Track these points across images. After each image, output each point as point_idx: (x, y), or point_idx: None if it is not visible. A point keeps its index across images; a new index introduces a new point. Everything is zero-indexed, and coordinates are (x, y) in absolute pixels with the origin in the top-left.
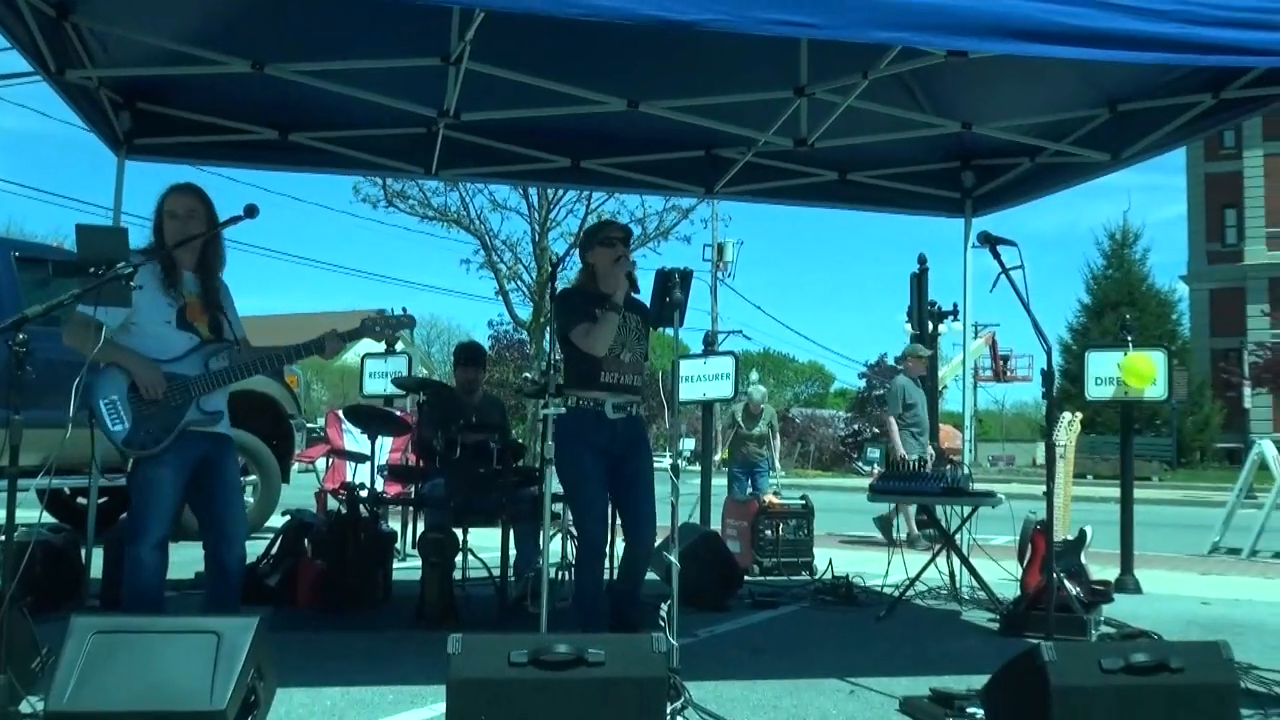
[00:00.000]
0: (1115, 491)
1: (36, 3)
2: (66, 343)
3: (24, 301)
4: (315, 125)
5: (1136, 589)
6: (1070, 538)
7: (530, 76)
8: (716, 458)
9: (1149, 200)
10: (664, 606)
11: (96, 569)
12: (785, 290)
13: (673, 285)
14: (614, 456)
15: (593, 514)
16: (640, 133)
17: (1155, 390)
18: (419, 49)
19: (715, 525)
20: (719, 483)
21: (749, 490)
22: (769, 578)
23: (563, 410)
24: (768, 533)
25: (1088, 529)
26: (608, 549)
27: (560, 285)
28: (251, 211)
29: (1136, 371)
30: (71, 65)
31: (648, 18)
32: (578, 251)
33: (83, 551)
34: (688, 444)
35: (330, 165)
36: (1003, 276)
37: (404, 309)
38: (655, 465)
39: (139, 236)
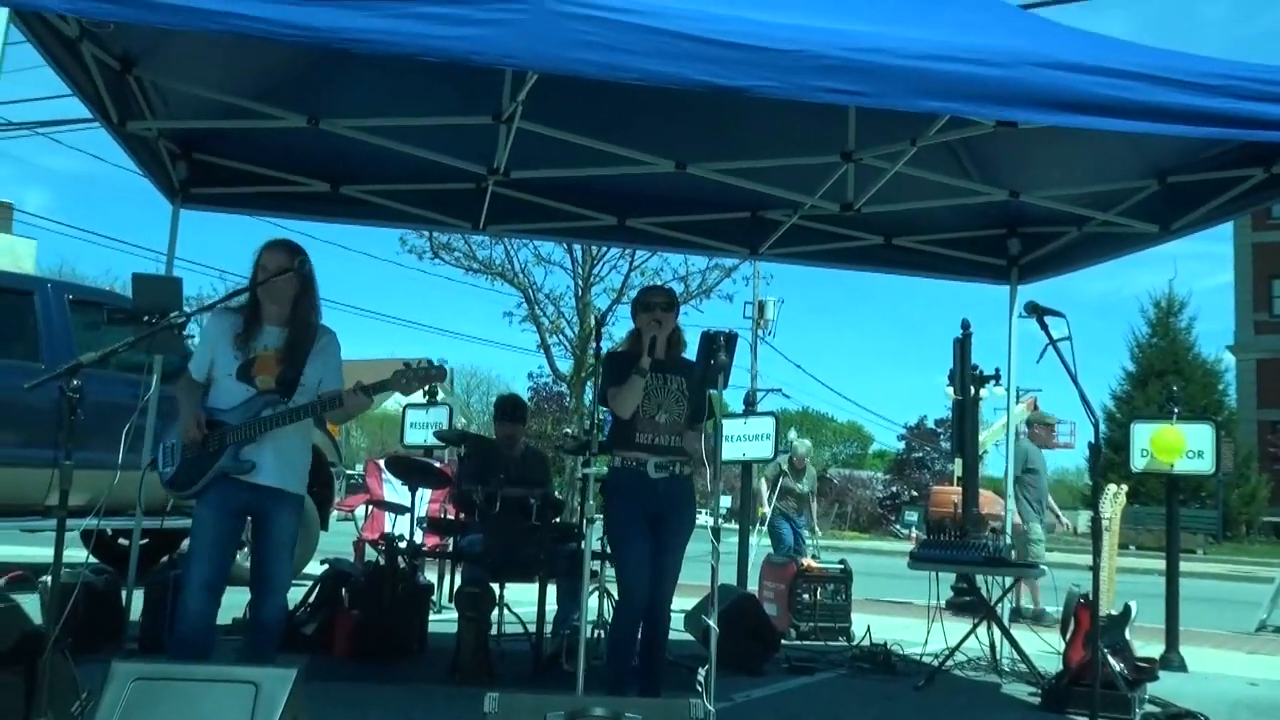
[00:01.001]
0: (1159, 563)
1: (102, 56)
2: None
3: (77, 344)
4: (366, 178)
5: (1182, 667)
6: (1115, 612)
7: (580, 136)
8: (765, 510)
9: (1195, 268)
10: (701, 670)
11: (137, 611)
12: (825, 349)
13: (717, 348)
14: (655, 514)
15: (633, 570)
16: (686, 193)
17: (1200, 463)
18: (471, 107)
19: (752, 586)
20: (758, 542)
21: (791, 542)
22: (806, 642)
23: (604, 469)
24: (805, 596)
25: (1133, 604)
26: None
27: (605, 342)
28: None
29: (1166, 445)
30: (133, 116)
31: (698, 82)
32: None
33: (123, 593)
34: (725, 500)
35: (380, 218)
36: (1049, 349)
37: (443, 360)
38: (698, 525)
39: (191, 282)
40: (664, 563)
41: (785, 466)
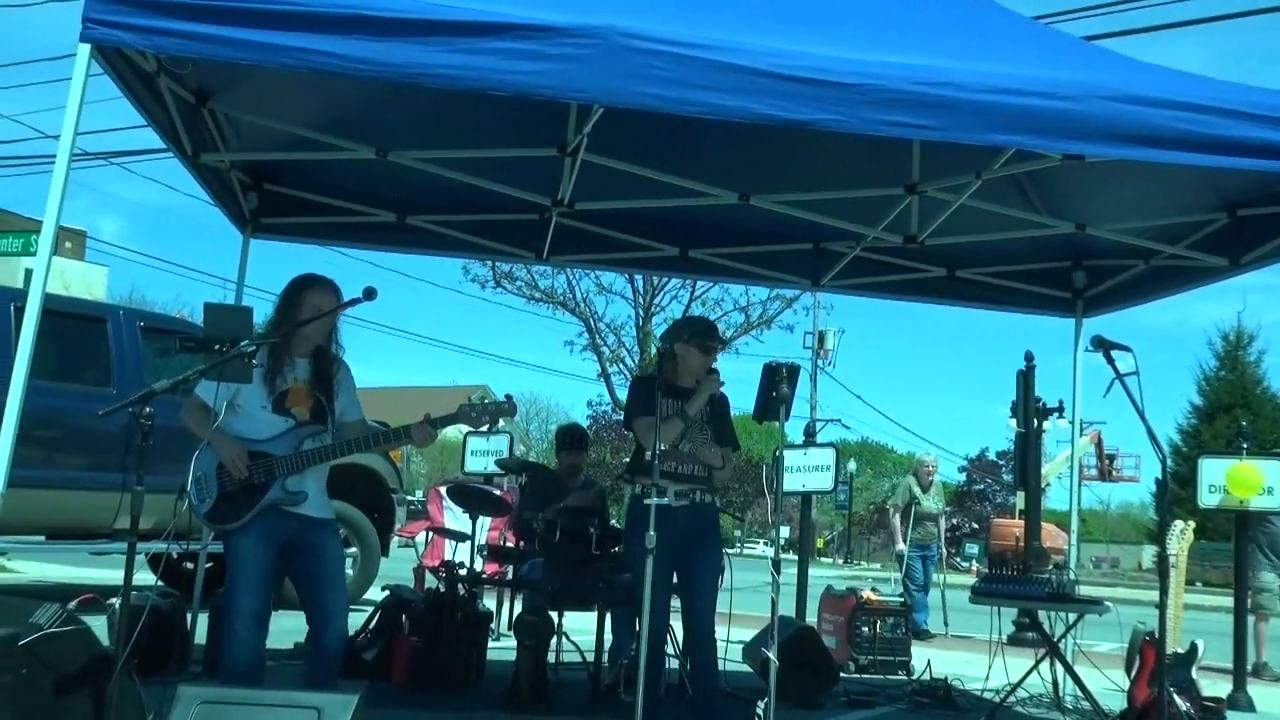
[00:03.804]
0: (1225, 600)
1: (178, 90)
2: (184, 420)
3: (147, 371)
4: (432, 209)
5: (1250, 707)
6: (1181, 650)
7: (643, 168)
8: (902, 547)
9: (1265, 300)
10: (760, 703)
11: (201, 635)
12: (885, 379)
13: (779, 380)
14: (678, 544)
15: (652, 606)
16: (749, 225)
17: (1270, 500)
18: (536, 139)
19: (811, 618)
20: (816, 573)
21: (921, 579)
22: (865, 675)
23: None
24: (865, 629)
25: (1199, 643)
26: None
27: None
28: (370, 294)
29: (1243, 481)
30: (206, 148)
31: (763, 116)
32: (664, 337)
33: (188, 617)
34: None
35: (444, 248)
36: (1116, 383)
37: (508, 396)
38: (753, 553)
39: (262, 311)
40: (693, 592)
41: (915, 486)
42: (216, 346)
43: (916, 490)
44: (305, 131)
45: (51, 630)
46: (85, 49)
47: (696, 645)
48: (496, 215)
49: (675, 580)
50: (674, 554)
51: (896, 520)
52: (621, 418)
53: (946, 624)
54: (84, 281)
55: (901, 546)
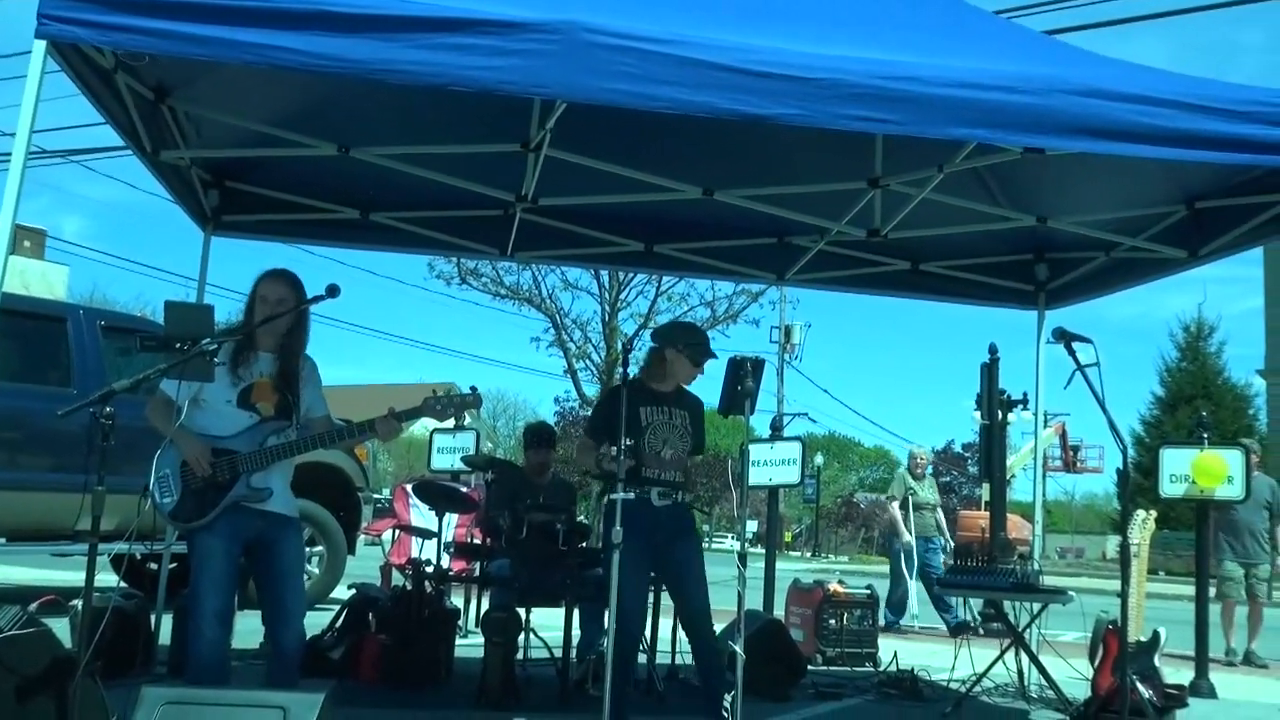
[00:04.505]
0: (1187, 589)
1: (137, 86)
2: (148, 416)
3: (109, 370)
4: (395, 206)
5: (1211, 694)
6: (1144, 639)
7: (607, 164)
8: (909, 540)
9: (1225, 292)
10: (727, 697)
11: (165, 635)
12: (851, 373)
13: (744, 374)
14: (658, 543)
15: (629, 596)
16: (713, 219)
17: (1230, 489)
18: (499, 135)
19: (779, 611)
20: (783, 566)
21: (941, 568)
22: (832, 667)
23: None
24: (832, 622)
25: (1162, 631)
26: (652, 637)
27: (632, 369)
28: (333, 291)
29: (1208, 470)
30: (166, 146)
31: (727, 111)
32: (656, 336)
33: (152, 618)
34: (751, 525)
35: (409, 244)
36: (1077, 374)
37: (473, 388)
38: (721, 548)
39: (224, 309)
40: (686, 583)
41: (908, 477)
42: (178, 345)
43: (910, 481)
44: (266, 128)
45: (11, 632)
46: (41, 45)
47: (701, 640)
48: (460, 211)
49: (658, 579)
50: (654, 552)
51: (896, 511)
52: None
53: (916, 616)
54: (44, 281)
55: (908, 538)
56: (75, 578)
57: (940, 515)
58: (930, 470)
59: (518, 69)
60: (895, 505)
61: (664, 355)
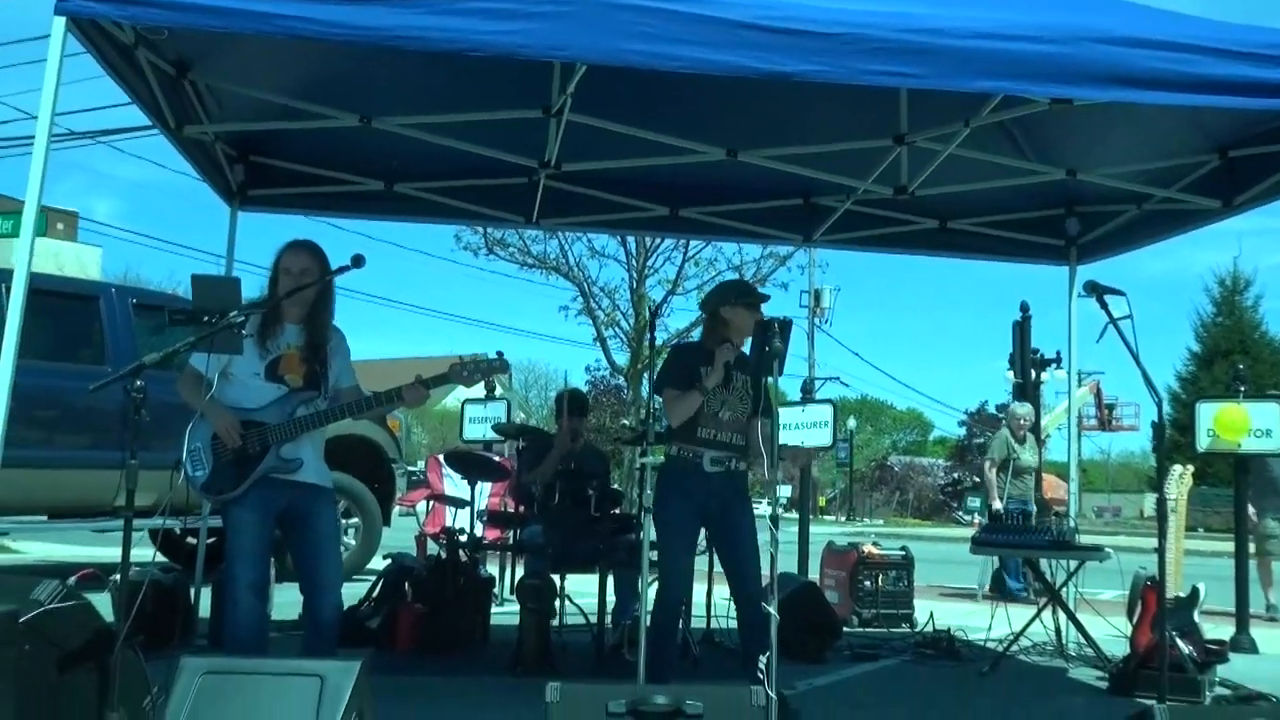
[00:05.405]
0: (1227, 545)
1: (158, 61)
2: (179, 392)
3: (142, 348)
4: (420, 176)
5: (1253, 648)
6: (1182, 594)
7: (630, 127)
8: (998, 505)
9: (1261, 245)
10: (762, 659)
11: (205, 608)
12: (883, 336)
13: (772, 335)
14: (710, 510)
15: (673, 559)
16: (739, 181)
17: (1268, 442)
18: (521, 101)
19: (814, 574)
20: (817, 530)
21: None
22: (868, 629)
23: (661, 459)
24: (867, 583)
25: (1201, 586)
26: (687, 602)
27: (660, 334)
28: (358, 261)
29: (1230, 424)
30: (189, 121)
31: (748, 69)
32: (706, 303)
33: (191, 591)
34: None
35: (434, 215)
36: (1110, 327)
37: (499, 353)
38: (755, 513)
39: (251, 284)
40: (738, 548)
41: (1010, 439)
42: (206, 318)
43: (1013, 443)
44: (287, 100)
45: (52, 606)
46: (60, 22)
47: (753, 608)
48: (484, 180)
49: (710, 544)
50: (704, 520)
51: (993, 475)
52: (620, 381)
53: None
54: (78, 263)
55: (998, 504)
56: (116, 554)
57: (1033, 479)
58: (1031, 441)
59: (535, 32)
60: (994, 469)
61: (721, 316)
